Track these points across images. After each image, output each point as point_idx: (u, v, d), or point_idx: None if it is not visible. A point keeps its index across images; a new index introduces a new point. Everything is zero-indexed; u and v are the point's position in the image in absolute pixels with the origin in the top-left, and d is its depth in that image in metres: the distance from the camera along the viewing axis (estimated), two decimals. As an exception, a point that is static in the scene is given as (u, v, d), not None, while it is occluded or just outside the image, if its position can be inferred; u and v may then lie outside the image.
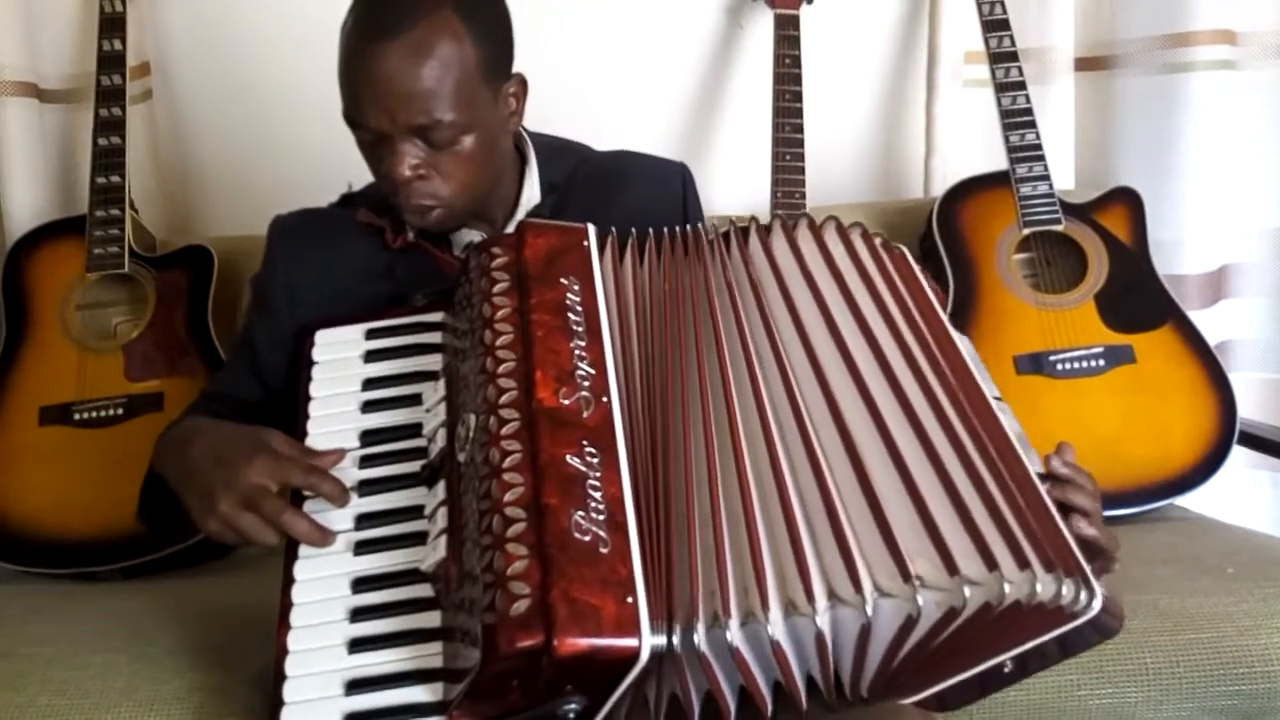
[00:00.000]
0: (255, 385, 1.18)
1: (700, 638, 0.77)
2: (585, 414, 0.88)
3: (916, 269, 1.05)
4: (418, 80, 1.02)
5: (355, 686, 0.87)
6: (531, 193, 1.19)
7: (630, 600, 0.78)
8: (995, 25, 1.81)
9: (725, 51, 2.00)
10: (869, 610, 0.76)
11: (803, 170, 1.80)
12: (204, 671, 1.13)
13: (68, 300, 1.71)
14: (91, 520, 1.57)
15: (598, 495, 0.83)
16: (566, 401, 0.88)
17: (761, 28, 1.94)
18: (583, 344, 0.93)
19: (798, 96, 1.83)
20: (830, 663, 0.80)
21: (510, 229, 1.16)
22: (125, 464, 1.60)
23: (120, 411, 1.63)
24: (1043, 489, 0.85)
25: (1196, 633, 1.20)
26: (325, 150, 1.91)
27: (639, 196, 1.22)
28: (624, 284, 1.00)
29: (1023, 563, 0.76)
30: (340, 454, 0.98)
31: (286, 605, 0.92)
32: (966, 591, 0.74)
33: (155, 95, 1.92)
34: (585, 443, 0.86)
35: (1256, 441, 1.66)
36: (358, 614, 0.91)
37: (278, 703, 0.87)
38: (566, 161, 1.23)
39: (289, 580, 0.94)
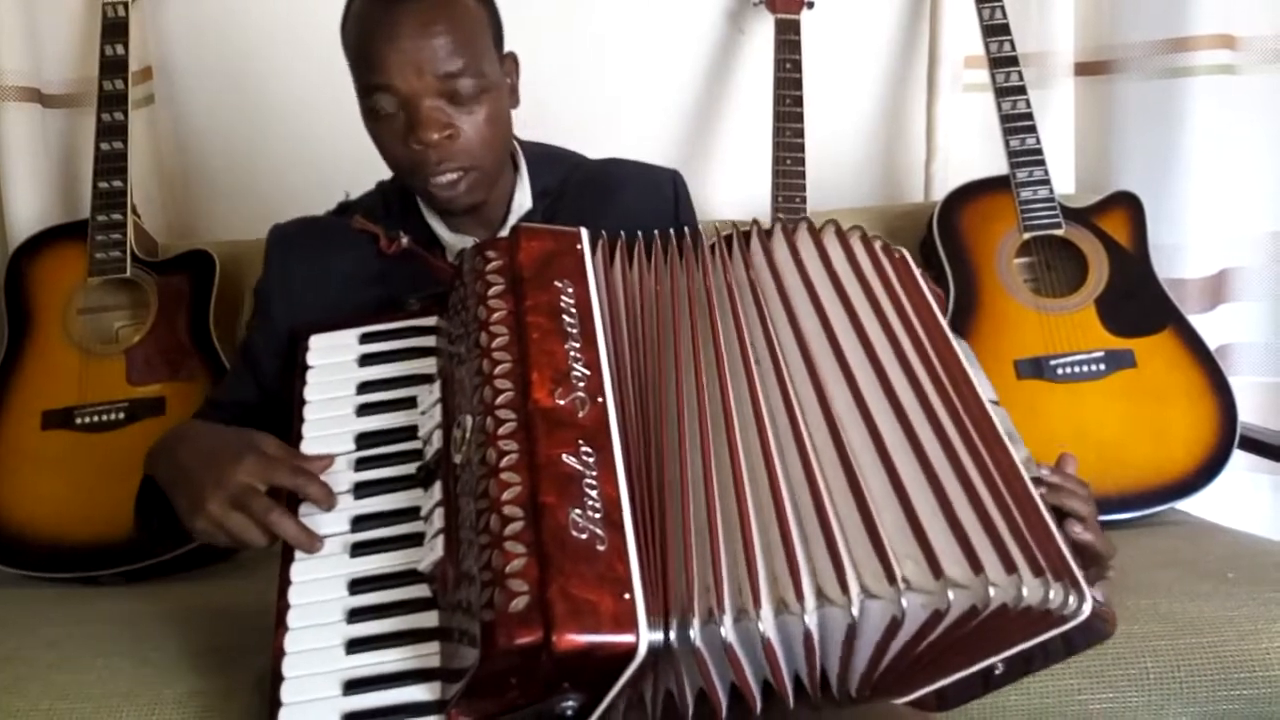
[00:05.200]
0: (255, 389, 1.19)
1: (696, 633, 0.78)
2: (581, 414, 0.89)
3: (917, 272, 1.05)
4: (444, 31, 1.06)
5: (353, 686, 0.88)
6: (523, 198, 1.21)
7: (627, 596, 0.79)
8: (995, 30, 1.81)
9: (726, 56, 2.01)
10: (855, 611, 0.76)
11: (803, 174, 1.81)
12: (205, 675, 1.14)
13: (70, 305, 1.71)
14: (93, 524, 1.57)
15: (594, 494, 0.84)
16: (562, 402, 0.89)
17: (762, 33, 1.95)
18: (577, 345, 0.93)
19: (798, 101, 1.83)
20: (817, 662, 0.81)
21: (503, 234, 1.17)
22: (127, 468, 1.59)
23: (122, 416, 1.64)
24: (1036, 493, 0.85)
25: (1197, 637, 1.20)
26: (327, 155, 1.92)
27: (631, 203, 1.24)
28: (615, 286, 1.01)
29: (1010, 566, 0.76)
30: (330, 460, 0.99)
31: (283, 608, 0.92)
32: (950, 595, 0.75)
33: (157, 100, 1.93)
34: (581, 442, 0.87)
35: (1257, 445, 1.66)
36: (355, 615, 0.91)
37: (275, 703, 0.88)
38: (558, 169, 1.25)
39: (285, 583, 0.94)
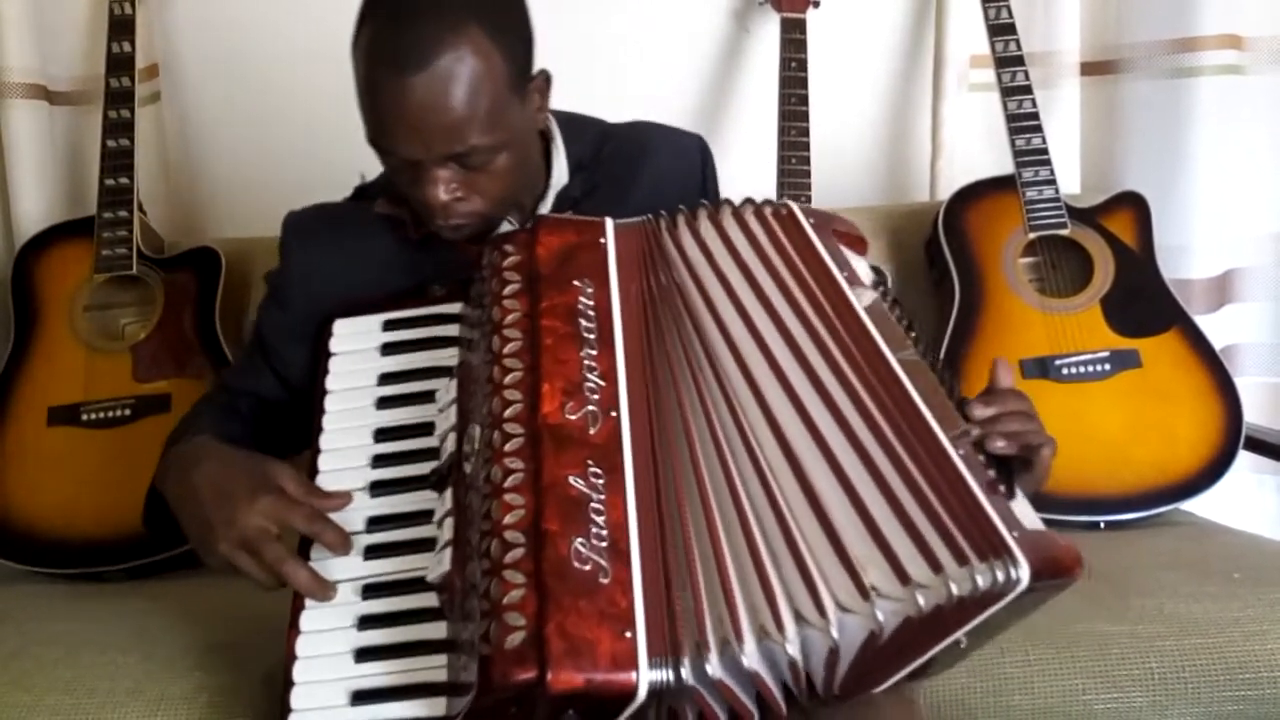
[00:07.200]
0: (273, 381, 1.16)
1: (714, 666, 0.76)
2: (592, 430, 0.85)
3: (806, 225, 0.99)
4: (451, 111, 0.97)
5: (360, 698, 0.87)
6: (560, 174, 1.16)
7: (629, 635, 0.76)
8: (1001, 29, 1.81)
9: (732, 55, 2.01)
10: (834, 632, 0.77)
11: (808, 174, 1.81)
12: (211, 671, 1.14)
13: (76, 301, 1.71)
14: (99, 520, 1.58)
15: (600, 520, 0.81)
16: (573, 417, 0.86)
17: (768, 32, 1.95)
18: (593, 353, 0.90)
19: (804, 100, 1.83)
20: (802, 673, 0.80)
21: (542, 210, 1.13)
22: (133, 465, 1.60)
23: (128, 412, 1.64)
24: (956, 455, 0.83)
25: (1202, 638, 1.19)
26: (333, 152, 1.91)
27: (663, 167, 1.20)
28: (628, 282, 0.96)
29: (935, 565, 0.76)
30: (348, 498, 0.95)
31: (298, 607, 0.92)
32: (880, 614, 0.76)
33: (164, 97, 1.93)
34: (590, 462, 0.84)
35: (1262, 446, 1.66)
36: (365, 622, 0.91)
37: (285, 710, 0.87)
38: (588, 137, 1.19)
39: None
